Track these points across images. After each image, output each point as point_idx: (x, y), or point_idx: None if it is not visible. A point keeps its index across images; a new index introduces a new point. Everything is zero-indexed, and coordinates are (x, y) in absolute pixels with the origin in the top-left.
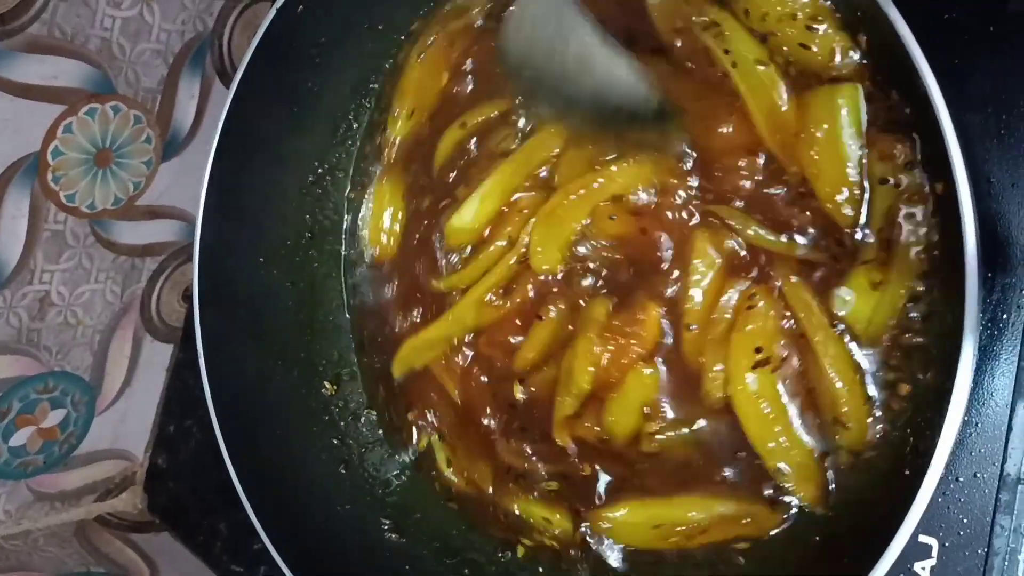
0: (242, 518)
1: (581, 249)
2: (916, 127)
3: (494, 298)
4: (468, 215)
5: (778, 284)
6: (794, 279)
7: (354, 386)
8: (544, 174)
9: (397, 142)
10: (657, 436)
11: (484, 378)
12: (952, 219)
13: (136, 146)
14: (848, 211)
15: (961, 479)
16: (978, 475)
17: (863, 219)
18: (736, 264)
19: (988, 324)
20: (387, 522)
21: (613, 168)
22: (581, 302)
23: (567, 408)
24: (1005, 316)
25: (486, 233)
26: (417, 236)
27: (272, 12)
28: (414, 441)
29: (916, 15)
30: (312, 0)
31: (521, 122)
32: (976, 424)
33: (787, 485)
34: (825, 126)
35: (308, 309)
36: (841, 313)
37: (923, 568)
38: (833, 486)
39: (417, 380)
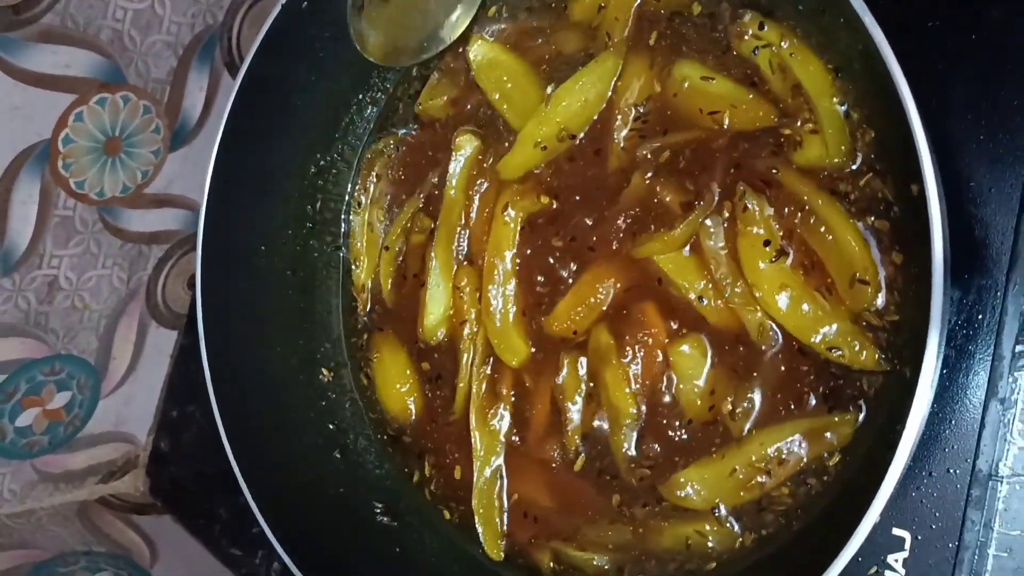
0: (241, 502)
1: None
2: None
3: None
4: (435, 316)
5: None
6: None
7: (350, 374)
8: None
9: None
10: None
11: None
12: (924, 223)
13: (145, 135)
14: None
15: (934, 474)
16: (951, 471)
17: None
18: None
19: (964, 324)
20: (379, 506)
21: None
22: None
23: (624, 443)
24: (980, 317)
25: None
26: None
27: (278, 8)
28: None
29: (896, 23)
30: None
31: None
32: (950, 421)
33: (845, 361)
34: None
35: (307, 298)
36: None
37: (896, 560)
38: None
39: None
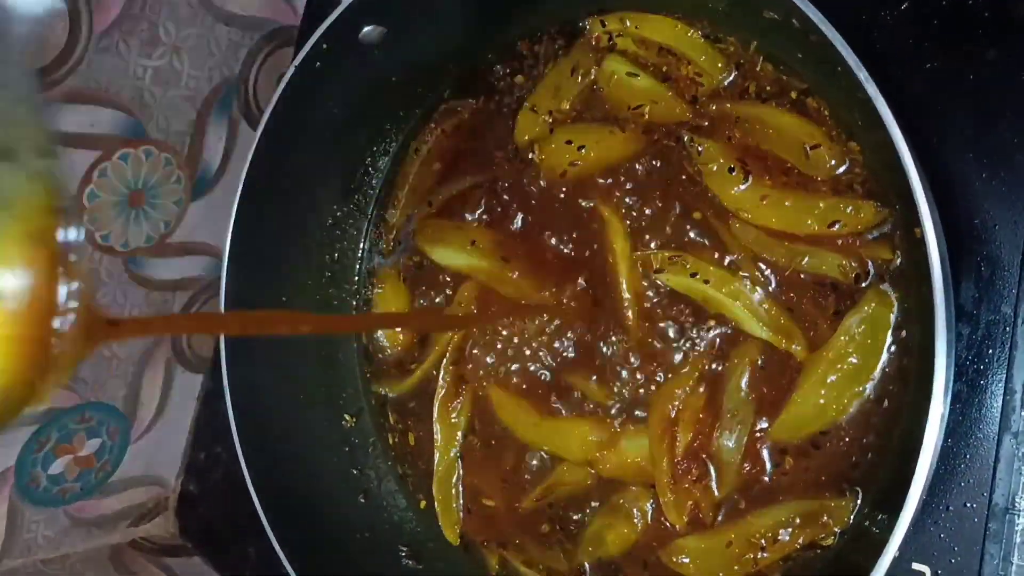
0: (270, 544)
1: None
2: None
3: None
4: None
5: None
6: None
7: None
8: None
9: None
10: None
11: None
12: (925, 263)
13: (167, 187)
14: None
15: (952, 508)
16: (968, 504)
17: None
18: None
19: (974, 359)
20: (404, 549)
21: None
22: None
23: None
24: (991, 351)
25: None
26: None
27: (291, 69)
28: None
29: (894, 65)
30: (329, 57)
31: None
32: (965, 455)
33: (847, 229)
34: None
35: (329, 345)
36: None
37: None
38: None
39: None
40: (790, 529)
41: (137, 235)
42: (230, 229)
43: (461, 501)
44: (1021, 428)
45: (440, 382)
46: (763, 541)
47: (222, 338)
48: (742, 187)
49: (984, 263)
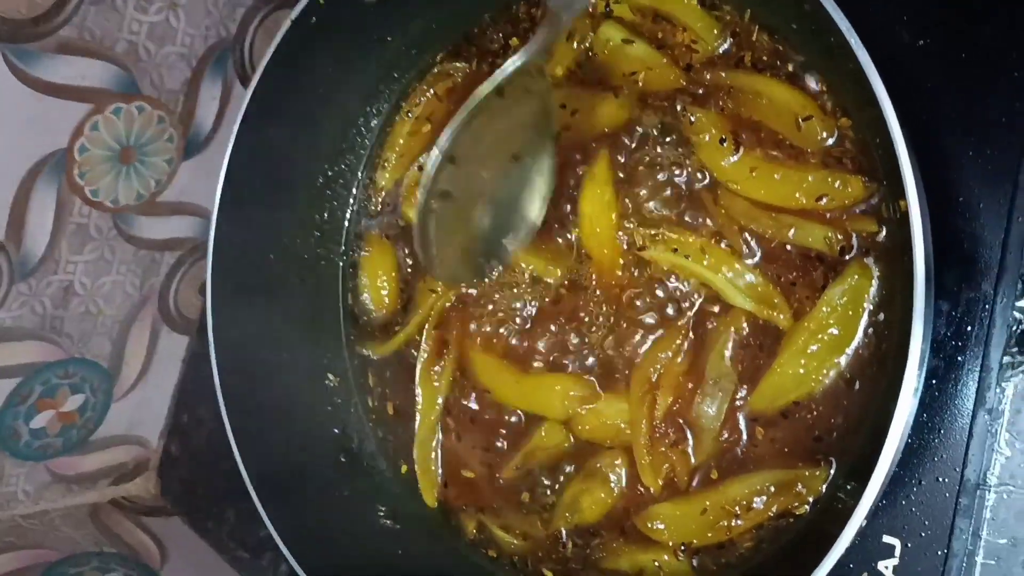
0: (250, 506)
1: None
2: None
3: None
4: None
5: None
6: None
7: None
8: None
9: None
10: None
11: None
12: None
13: (159, 145)
14: None
15: (924, 483)
16: (940, 479)
17: None
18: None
19: (953, 336)
20: (382, 508)
21: None
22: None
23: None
24: (969, 328)
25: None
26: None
27: (288, 23)
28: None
29: (886, 41)
30: (325, 13)
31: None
32: (939, 431)
33: (835, 203)
34: None
35: (315, 305)
36: None
37: (886, 567)
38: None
39: None
40: (764, 497)
41: (127, 192)
42: (219, 185)
43: (440, 466)
44: (996, 405)
45: (423, 346)
46: (737, 509)
47: (208, 299)
48: (733, 158)
49: (967, 240)
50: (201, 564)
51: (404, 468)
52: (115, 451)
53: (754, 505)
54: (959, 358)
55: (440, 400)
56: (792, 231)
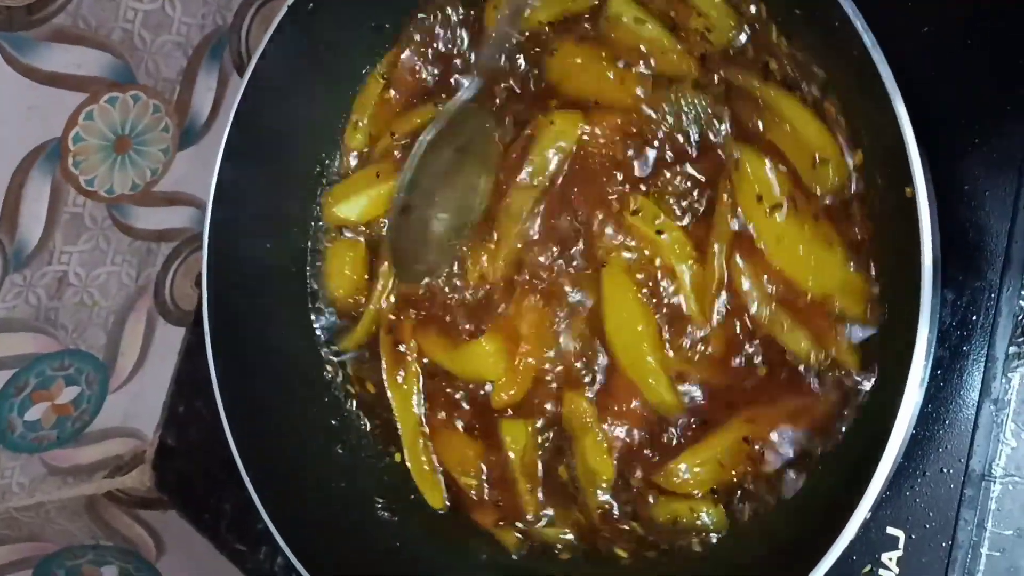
0: (246, 498)
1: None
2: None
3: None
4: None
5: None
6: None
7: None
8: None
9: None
10: None
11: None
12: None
13: (154, 134)
14: None
15: (928, 473)
16: (944, 470)
17: None
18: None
19: (958, 325)
20: (380, 501)
21: None
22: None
23: (599, 502)
24: (975, 318)
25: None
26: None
27: (284, 9)
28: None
29: (890, 28)
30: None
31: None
32: (944, 421)
33: (842, 311)
34: None
35: (312, 295)
36: None
37: (890, 559)
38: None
39: None
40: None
41: (122, 182)
42: (215, 175)
43: (437, 465)
44: (1002, 395)
45: (381, 355)
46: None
47: (204, 290)
48: (772, 215)
49: (972, 229)
50: (198, 557)
51: (397, 456)
52: (111, 443)
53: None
54: (964, 348)
55: (415, 401)
56: (784, 327)
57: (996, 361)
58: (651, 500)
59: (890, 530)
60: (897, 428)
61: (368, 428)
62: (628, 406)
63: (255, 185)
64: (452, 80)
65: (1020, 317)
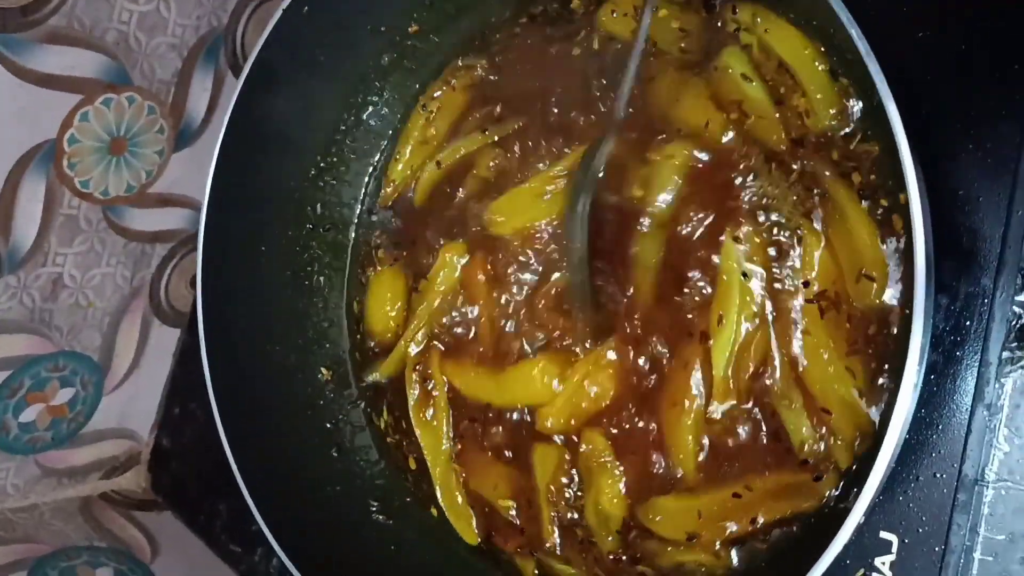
0: (242, 500)
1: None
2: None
3: None
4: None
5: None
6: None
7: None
8: None
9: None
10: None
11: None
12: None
13: (149, 136)
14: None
15: (921, 478)
16: (938, 475)
17: None
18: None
19: (952, 330)
20: (375, 504)
21: None
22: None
23: (612, 546)
24: (968, 323)
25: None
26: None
27: (279, 12)
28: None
29: (886, 33)
30: (317, 1)
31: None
32: (937, 426)
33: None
34: None
35: (307, 297)
36: None
37: (883, 563)
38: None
39: None
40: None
41: (118, 183)
42: (210, 176)
43: (469, 502)
44: (995, 400)
45: (409, 391)
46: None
47: (199, 292)
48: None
49: (966, 234)
50: (193, 558)
51: (413, 463)
52: (105, 445)
53: (762, 503)
54: (958, 353)
55: (444, 437)
56: (791, 404)
57: (990, 366)
58: (652, 547)
59: (884, 534)
60: (891, 433)
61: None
62: (639, 452)
63: (250, 187)
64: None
65: (1014, 322)
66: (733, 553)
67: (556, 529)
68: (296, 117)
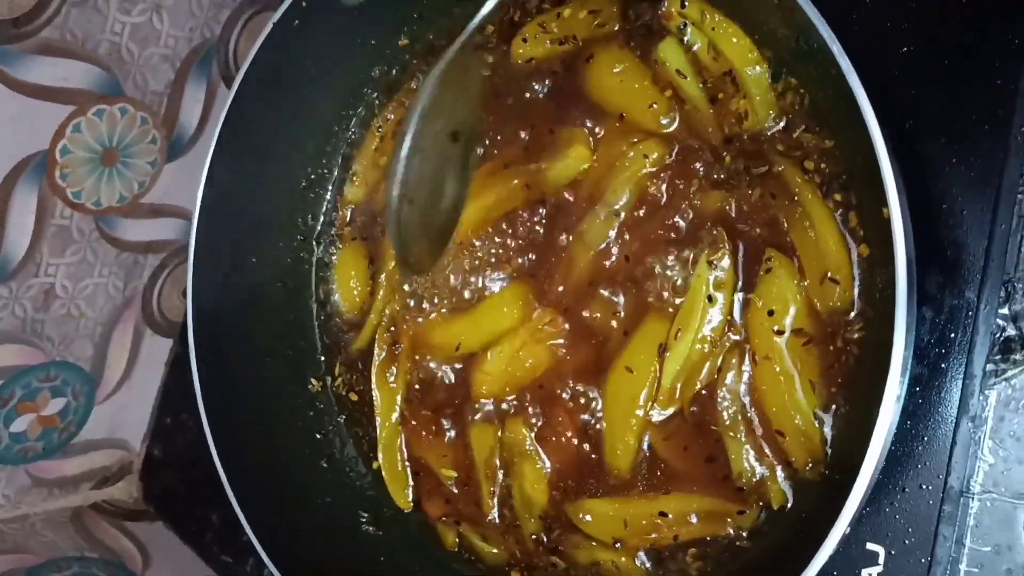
0: (233, 511)
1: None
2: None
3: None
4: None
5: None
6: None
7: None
8: None
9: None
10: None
11: None
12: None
13: (142, 146)
14: None
15: (908, 490)
16: (923, 487)
17: None
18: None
19: (936, 343)
20: (365, 515)
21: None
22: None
23: (534, 528)
24: (953, 335)
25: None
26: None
27: (270, 24)
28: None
29: (864, 57)
30: (308, 15)
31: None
32: (923, 438)
33: (786, 450)
34: None
35: (296, 309)
36: None
37: (870, 574)
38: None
39: None
40: (695, 519)
41: (110, 194)
42: (201, 187)
43: (408, 467)
44: (979, 412)
45: (376, 349)
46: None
47: (189, 302)
48: (778, 340)
49: (950, 247)
50: (184, 569)
51: (375, 463)
52: (97, 455)
53: (686, 523)
54: (942, 365)
55: (399, 400)
56: (736, 436)
57: (974, 378)
58: (576, 541)
59: (870, 546)
60: (874, 444)
61: (358, 435)
62: (565, 441)
63: (241, 198)
64: None
65: (998, 335)
66: (648, 562)
67: (495, 503)
68: (287, 128)
